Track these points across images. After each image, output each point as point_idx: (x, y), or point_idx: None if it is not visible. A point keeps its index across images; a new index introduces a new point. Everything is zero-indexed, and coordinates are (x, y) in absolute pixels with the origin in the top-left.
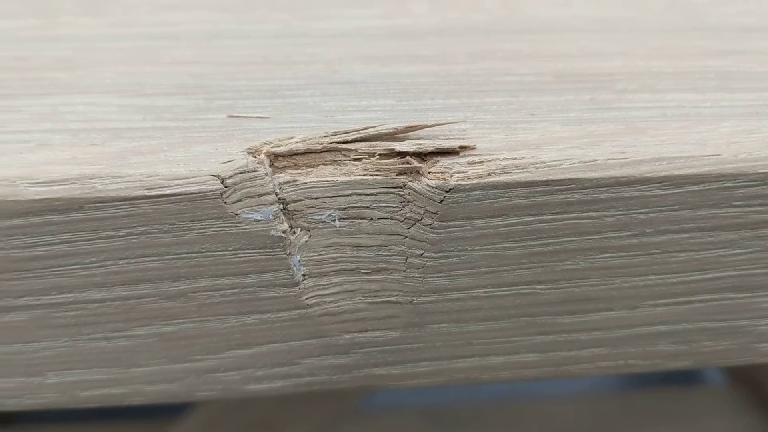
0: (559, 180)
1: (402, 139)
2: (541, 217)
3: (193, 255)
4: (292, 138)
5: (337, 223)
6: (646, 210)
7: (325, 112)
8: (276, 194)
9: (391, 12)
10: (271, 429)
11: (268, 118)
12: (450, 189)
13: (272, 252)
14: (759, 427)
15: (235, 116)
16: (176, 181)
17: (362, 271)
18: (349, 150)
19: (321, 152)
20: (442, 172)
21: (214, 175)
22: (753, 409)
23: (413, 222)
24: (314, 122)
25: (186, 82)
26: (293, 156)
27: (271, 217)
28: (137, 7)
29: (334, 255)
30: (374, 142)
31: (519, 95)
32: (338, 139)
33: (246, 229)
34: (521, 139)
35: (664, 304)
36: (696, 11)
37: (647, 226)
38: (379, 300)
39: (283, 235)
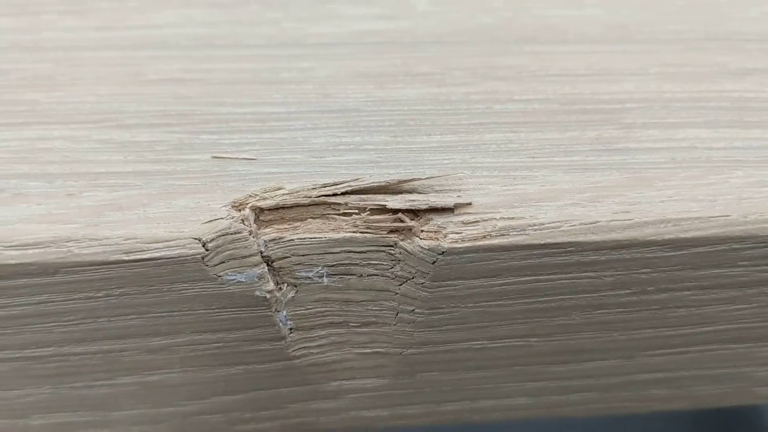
0: (558, 243)
1: (395, 192)
2: (536, 278)
3: (175, 313)
4: (279, 190)
5: (325, 280)
6: (648, 270)
7: (315, 151)
8: (261, 253)
9: (390, 11)
10: None
11: (254, 159)
12: (443, 251)
13: (257, 310)
14: None
15: (220, 157)
16: (155, 245)
17: (351, 324)
18: (339, 204)
19: (309, 206)
20: (435, 232)
21: (195, 238)
22: None
23: (404, 280)
24: (303, 165)
25: (170, 109)
26: (280, 210)
27: (255, 278)
28: (125, 3)
29: (322, 309)
30: (365, 195)
31: (520, 131)
32: (327, 192)
33: (229, 290)
34: (520, 192)
35: (660, 354)
36: (717, 13)
37: (648, 285)
38: (368, 351)
39: (268, 295)
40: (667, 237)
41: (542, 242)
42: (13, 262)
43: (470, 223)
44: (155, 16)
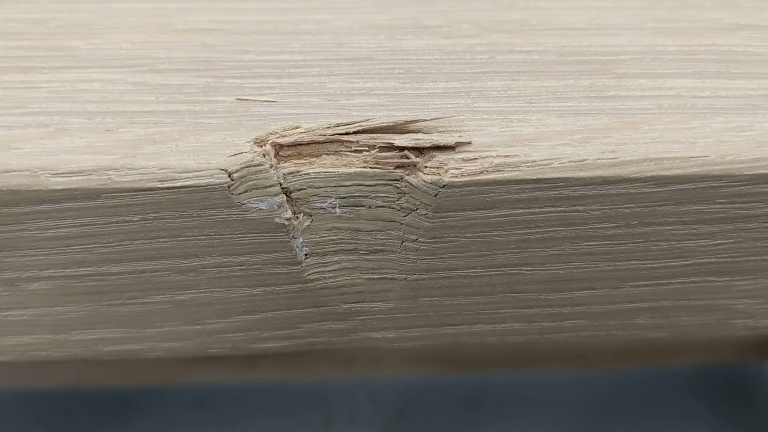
0: (549, 179)
1: (401, 132)
2: (530, 210)
3: (203, 237)
4: (297, 128)
5: (338, 210)
6: (632, 205)
7: (330, 95)
8: (280, 185)
9: None
10: None
11: (275, 102)
12: (444, 185)
13: (277, 236)
14: None
15: (244, 99)
16: (186, 174)
17: (360, 251)
18: (351, 142)
19: (324, 143)
20: (437, 167)
21: (222, 169)
22: None
23: (409, 211)
24: (318, 108)
25: (198, 56)
26: (297, 146)
27: (275, 206)
28: None
29: (334, 237)
30: (375, 134)
31: (520, 79)
32: (340, 131)
33: (252, 216)
34: (516, 132)
35: (644, 285)
36: None
37: (632, 219)
38: (375, 276)
39: (286, 222)
40: (649, 174)
41: (534, 177)
42: (59, 187)
43: (469, 160)
44: None
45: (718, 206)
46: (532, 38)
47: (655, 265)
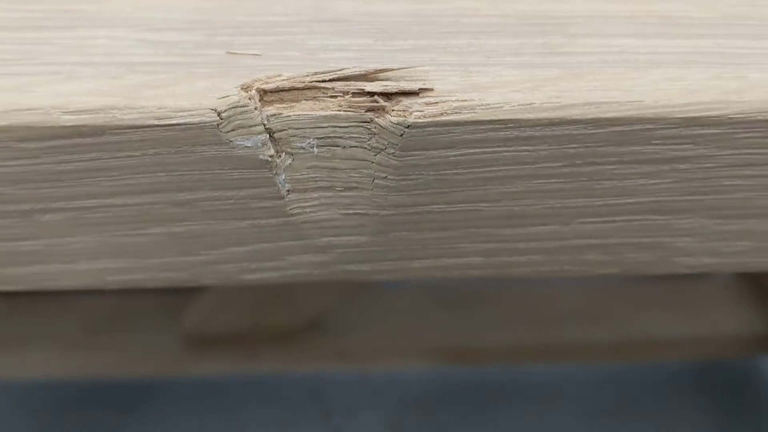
0: (501, 120)
1: (372, 80)
2: (484, 149)
3: (196, 172)
4: (278, 76)
5: (316, 150)
6: (576, 145)
7: (310, 50)
8: (264, 125)
9: None
10: (290, 302)
11: (260, 55)
12: (408, 125)
13: (261, 172)
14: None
15: (232, 53)
16: (181, 113)
17: (337, 188)
18: (327, 88)
19: (303, 89)
20: (403, 111)
21: (211, 109)
22: (756, 303)
23: (378, 150)
24: (299, 60)
25: (192, 17)
26: (279, 92)
27: (259, 144)
28: None
29: (313, 175)
30: (348, 82)
31: (481, 38)
32: (318, 78)
33: (239, 153)
34: (474, 81)
35: (591, 222)
36: None
37: (576, 159)
38: (351, 212)
39: (269, 159)
40: (589, 116)
41: (488, 119)
42: (69, 124)
43: (431, 104)
44: None
45: (654, 147)
46: (496, 4)
47: (600, 203)
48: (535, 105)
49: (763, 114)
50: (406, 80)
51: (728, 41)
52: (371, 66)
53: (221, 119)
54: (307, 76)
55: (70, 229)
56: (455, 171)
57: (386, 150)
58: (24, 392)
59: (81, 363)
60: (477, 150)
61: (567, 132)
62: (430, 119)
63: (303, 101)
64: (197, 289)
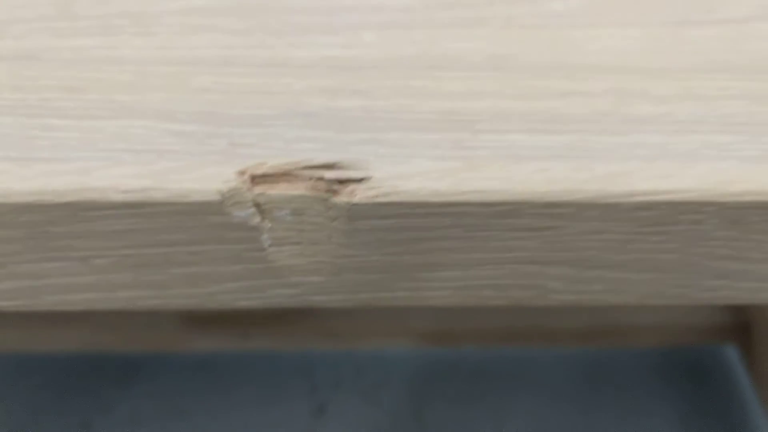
0: (417, 203)
1: (330, 168)
2: (407, 220)
3: (205, 232)
4: (265, 163)
5: (289, 217)
6: (471, 219)
7: (288, 140)
8: (253, 201)
9: (349, 41)
10: None
11: (253, 145)
12: (354, 204)
13: (250, 233)
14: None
15: (232, 143)
16: (195, 194)
17: (304, 243)
18: (298, 175)
19: (281, 174)
20: (350, 193)
21: (217, 191)
22: None
23: (333, 218)
24: (280, 149)
25: (204, 109)
26: (264, 176)
27: (249, 214)
28: (172, 27)
29: (287, 234)
30: (313, 170)
31: (411, 132)
32: (292, 167)
33: (235, 221)
34: (401, 171)
35: (486, 269)
36: (569, 48)
37: (472, 228)
38: (313, 260)
39: (256, 224)
40: (480, 200)
41: (408, 201)
42: (118, 200)
43: (370, 188)
44: (193, 40)
45: (526, 220)
46: (427, 102)
47: (491, 256)
48: (441, 191)
49: (602, 199)
50: (354, 169)
51: (593, 137)
52: (330, 157)
53: (223, 198)
54: (285, 164)
55: (114, 269)
56: (387, 233)
57: (339, 218)
58: (28, 363)
59: (87, 338)
60: (402, 220)
61: (463, 210)
62: (367, 200)
63: (281, 183)
64: None
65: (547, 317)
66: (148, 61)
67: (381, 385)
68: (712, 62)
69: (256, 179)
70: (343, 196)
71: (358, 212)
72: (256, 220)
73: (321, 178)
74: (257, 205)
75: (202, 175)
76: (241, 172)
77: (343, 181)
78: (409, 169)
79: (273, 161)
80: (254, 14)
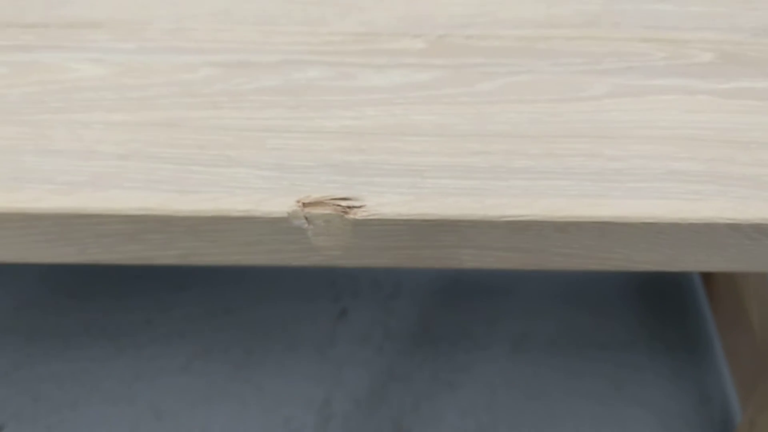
0: (388, 220)
1: (346, 199)
2: (383, 227)
3: (278, 233)
4: (309, 196)
5: (322, 224)
6: (409, 227)
7: (322, 182)
8: (304, 216)
9: (357, 114)
10: None
11: (302, 185)
12: (356, 219)
13: (301, 231)
14: None
15: (292, 184)
16: (276, 213)
17: (329, 236)
18: (326, 202)
19: (318, 203)
20: (354, 214)
21: (286, 212)
22: None
23: (345, 226)
24: (317, 187)
25: (275, 162)
26: (309, 203)
27: (302, 223)
28: (253, 104)
29: (321, 232)
30: (335, 200)
31: (387, 177)
32: (324, 198)
33: (294, 225)
34: (381, 201)
35: (425, 252)
36: (485, 120)
37: (412, 233)
38: (334, 244)
39: (304, 227)
40: (449, 219)
41: (386, 218)
42: (239, 216)
43: (364, 212)
44: (261, 114)
45: (447, 228)
46: (397, 158)
47: (427, 244)
48: (401, 213)
49: (487, 219)
50: (357, 200)
51: (488, 181)
52: (344, 193)
53: (288, 215)
54: (320, 197)
55: (232, 248)
56: (373, 233)
57: (347, 226)
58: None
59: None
60: (381, 227)
61: (414, 224)
62: (363, 218)
63: (318, 207)
64: None
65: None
66: (242, 128)
67: (392, 296)
68: (570, 130)
69: (305, 205)
70: (350, 215)
71: (358, 224)
72: (305, 225)
73: (339, 205)
74: (306, 218)
75: (277, 203)
76: (297, 201)
77: (351, 207)
78: (385, 201)
79: (313, 195)
80: (301, 95)
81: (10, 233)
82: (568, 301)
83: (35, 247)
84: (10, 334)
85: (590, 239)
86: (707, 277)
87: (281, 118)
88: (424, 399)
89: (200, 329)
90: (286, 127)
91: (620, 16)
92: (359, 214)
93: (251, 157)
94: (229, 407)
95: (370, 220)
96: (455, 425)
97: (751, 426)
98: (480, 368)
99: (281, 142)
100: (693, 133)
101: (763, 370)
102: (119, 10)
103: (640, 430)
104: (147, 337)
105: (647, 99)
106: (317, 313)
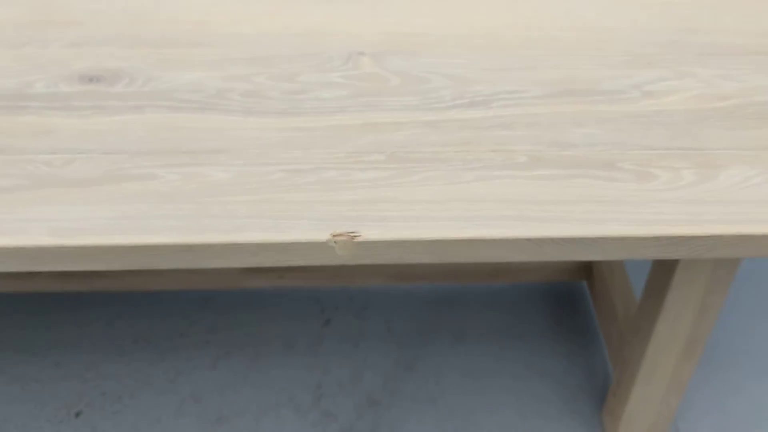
0: (372, 242)
1: (351, 231)
2: (370, 246)
3: (315, 249)
4: (335, 231)
5: (340, 243)
6: (386, 248)
7: (338, 227)
8: (333, 240)
9: (356, 192)
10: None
11: (330, 228)
12: (356, 242)
13: (329, 246)
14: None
15: (331, 230)
16: (312, 240)
17: (343, 250)
18: (344, 234)
19: (340, 234)
20: (353, 239)
21: (325, 240)
22: None
23: (351, 244)
24: (341, 226)
25: (318, 216)
26: (335, 235)
27: (331, 243)
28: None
29: (340, 247)
30: (350, 232)
31: (369, 223)
32: (342, 233)
33: (328, 244)
34: (369, 234)
35: (396, 252)
36: (412, 193)
37: (389, 250)
38: (345, 253)
39: (332, 245)
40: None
41: (378, 240)
42: (284, 241)
43: (359, 239)
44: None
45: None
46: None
47: (401, 251)
48: (376, 240)
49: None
50: (357, 233)
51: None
52: (351, 229)
53: (326, 240)
54: (341, 233)
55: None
56: (365, 249)
57: (351, 244)
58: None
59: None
60: (370, 246)
61: (384, 246)
62: (358, 242)
63: (341, 237)
64: None
65: (471, 263)
66: (304, 200)
67: (363, 307)
68: (437, 194)
69: (335, 235)
70: (354, 240)
71: (358, 244)
72: (332, 243)
73: (351, 233)
74: (332, 241)
75: (317, 235)
76: (333, 233)
77: (354, 235)
78: (370, 233)
79: (338, 230)
80: (330, 184)
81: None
82: (492, 306)
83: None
84: (78, 346)
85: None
86: (590, 283)
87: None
88: (390, 379)
89: (221, 338)
90: (325, 200)
91: (473, 134)
92: (357, 240)
93: (307, 214)
94: (248, 392)
95: (363, 242)
96: (414, 396)
97: (618, 384)
98: (431, 356)
99: (325, 206)
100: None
101: (623, 346)
102: (229, 140)
103: (547, 396)
104: (181, 344)
105: (494, 182)
106: (308, 322)
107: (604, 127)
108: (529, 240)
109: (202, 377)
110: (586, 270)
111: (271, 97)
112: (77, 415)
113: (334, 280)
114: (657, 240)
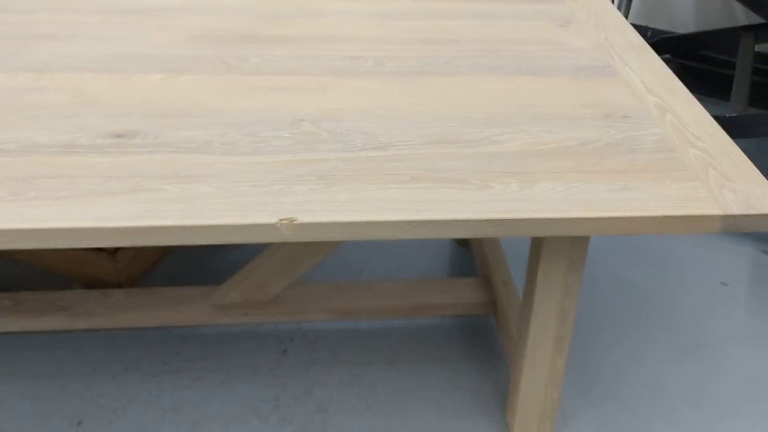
0: (316, 224)
1: (296, 217)
2: (316, 226)
3: (266, 228)
4: (281, 218)
5: (284, 224)
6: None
7: (288, 212)
8: (279, 223)
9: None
10: (263, 288)
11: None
12: (296, 224)
13: (276, 227)
14: (485, 294)
15: (274, 212)
16: (266, 220)
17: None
18: (289, 218)
19: (284, 219)
20: (295, 221)
21: (274, 222)
22: (482, 286)
23: (293, 225)
24: (289, 212)
25: (262, 201)
26: (281, 220)
27: (278, 224)
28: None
29: (285, 226)
30: (291, 218)
31: (321, 212)
32: (282, 218)
33: (276, 225)
34: (311, 218)
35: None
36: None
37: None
38: (291, 233)
39: (279, 227)
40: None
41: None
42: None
43: (297, 221)
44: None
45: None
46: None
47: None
48: (323, 222)
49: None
50: (295, 219)
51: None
52: (293, 216)
53: (274, 223)
54: (285, 217)
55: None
56: (309, 230)
57: (293, 225)
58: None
59: (160, 317)
60: (315, 226)
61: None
62: (296, 224)
63: (283, 221)
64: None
65: (399, 300)
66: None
67: (313, 341)
68: (349, 198)
69: (281, 220)
70: (293, 223)
71: (296, 225)
72: (279, 225)
73: (288, 219)
74: (280, 224)
75: (269, 220)
76: (279, 219)
77: (293, 220)
78: (304, 219)
79: (282, 217)
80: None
81: None
82: (418, 337)
83: None
84: (79, 371)
85: None
86: (495, 316)
87: (274, 197)
88: (335, 393)
89: (197, 365)
90: (275, 201)
91: (375, 165)
92: (295, 222)
93: (263, 208)
94: (218, 404)
95: (300, 224)
96: (355, 405)
97: (512, 385)
98: (369, 375)
99: (276, 205)
100: (399, 198)
101: (515, 357)
102: (212, 170)
103: (463, 404)
104: (164, 370)
105: (387, 191)
106: (268, 352)
107: (462, 161)
108: (408, 222)
109: (181, 394)
110: (492, 305)
111: (241, 145)
112: (78, 423)
113: (289, 317)
114: (489, 222)
